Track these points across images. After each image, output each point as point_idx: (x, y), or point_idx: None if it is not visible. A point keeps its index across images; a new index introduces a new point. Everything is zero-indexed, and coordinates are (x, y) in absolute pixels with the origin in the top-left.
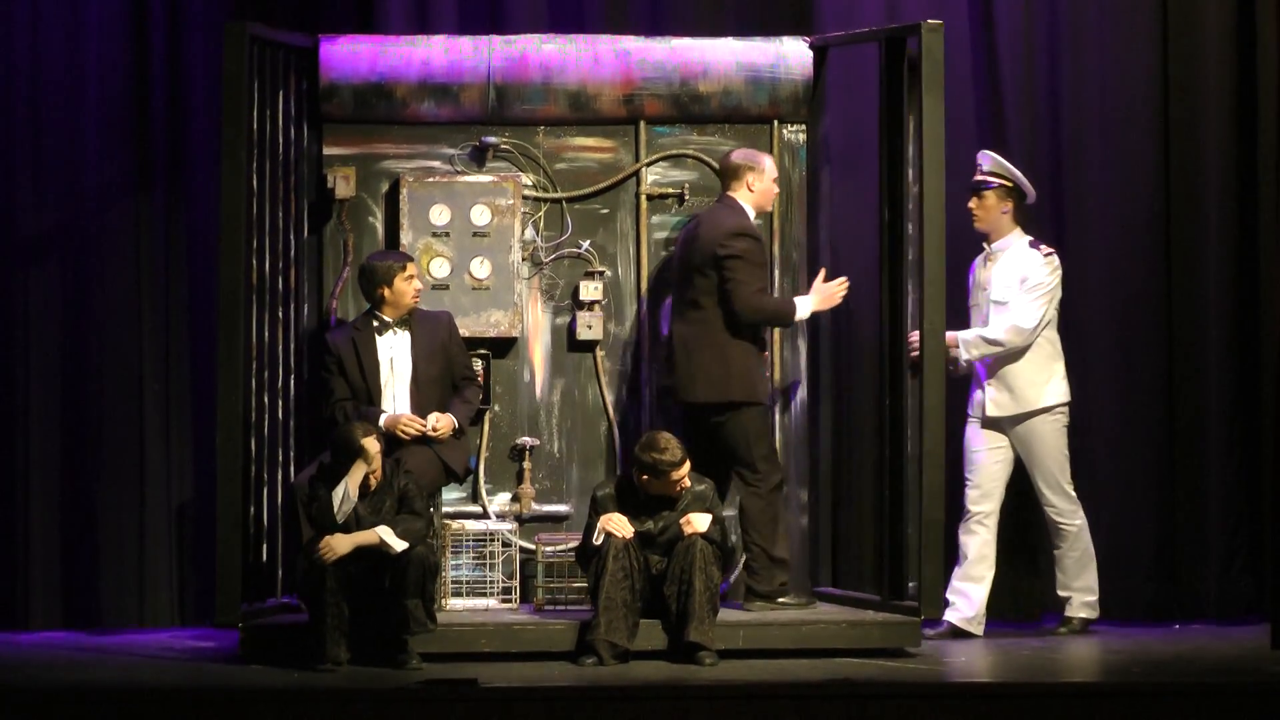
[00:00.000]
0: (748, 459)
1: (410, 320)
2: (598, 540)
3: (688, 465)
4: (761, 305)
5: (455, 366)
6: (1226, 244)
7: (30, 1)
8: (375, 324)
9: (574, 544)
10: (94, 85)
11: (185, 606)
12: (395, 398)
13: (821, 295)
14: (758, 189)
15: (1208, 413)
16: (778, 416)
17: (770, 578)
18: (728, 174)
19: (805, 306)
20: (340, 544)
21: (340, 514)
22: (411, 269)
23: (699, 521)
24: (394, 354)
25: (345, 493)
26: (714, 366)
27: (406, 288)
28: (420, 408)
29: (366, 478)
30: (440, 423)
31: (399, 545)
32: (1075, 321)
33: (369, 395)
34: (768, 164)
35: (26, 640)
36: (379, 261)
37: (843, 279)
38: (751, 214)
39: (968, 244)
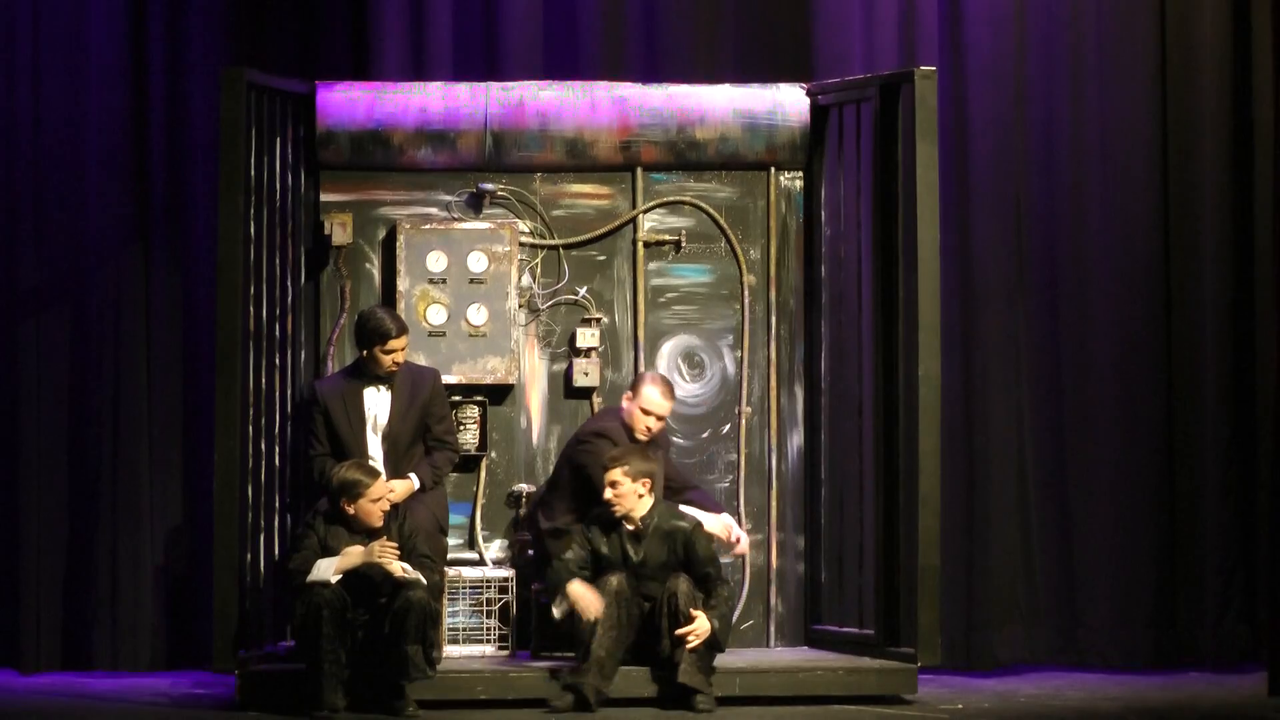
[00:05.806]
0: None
1: (395, 375)
2: (557, 612)
3: (625, 472)
4: None
5: (431, 425)
6: (1224, 289)
7: (31, 51)
8: (361, 377)
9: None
10: (94, 133)
11: (182, 652)
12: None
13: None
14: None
15: (1205, 458)
16: (774, 463)
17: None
18: None
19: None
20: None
21: (310, 579)
22: (395, 344)
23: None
24: (378, 410)
25: (326, 569)
26: None
27: (383, 360)
28: (392, 463)
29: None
30: (394, 491)
31: (414, 574)
32: (1077, 367)
33: (354, 448)
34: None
35: (22, 686)
36: (369, 322)
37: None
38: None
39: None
